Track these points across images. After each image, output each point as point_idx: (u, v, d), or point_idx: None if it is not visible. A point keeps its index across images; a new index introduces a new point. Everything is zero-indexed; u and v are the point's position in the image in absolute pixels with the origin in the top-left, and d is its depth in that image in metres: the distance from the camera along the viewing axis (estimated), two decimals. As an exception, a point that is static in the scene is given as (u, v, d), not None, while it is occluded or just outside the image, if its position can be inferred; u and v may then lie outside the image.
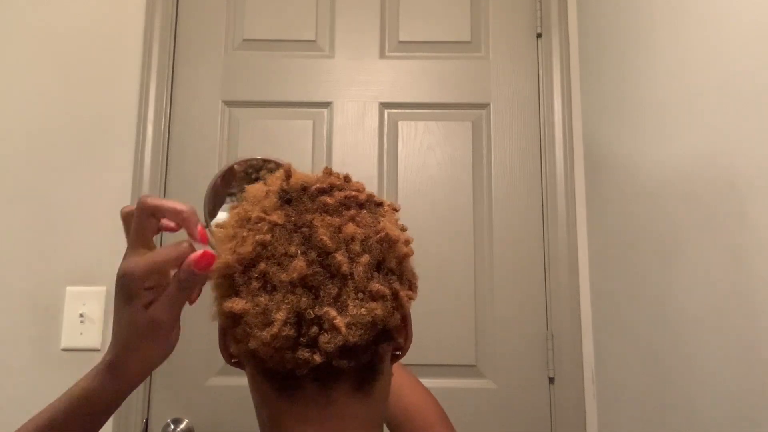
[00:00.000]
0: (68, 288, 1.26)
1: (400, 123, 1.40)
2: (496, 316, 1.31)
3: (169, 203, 0.45)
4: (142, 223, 0.45)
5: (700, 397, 0.83)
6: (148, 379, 1.26)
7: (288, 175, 0.48)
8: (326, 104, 1.40)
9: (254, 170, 0.58)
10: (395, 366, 0.52)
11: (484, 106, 1.40)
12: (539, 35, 1.43)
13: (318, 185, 0.47)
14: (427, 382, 1.27)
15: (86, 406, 0.46)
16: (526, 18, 1.44)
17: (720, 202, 0.79)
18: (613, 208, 1.18)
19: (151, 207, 0.45)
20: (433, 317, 1.29)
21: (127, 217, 0.48)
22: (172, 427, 1.24)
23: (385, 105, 1.40)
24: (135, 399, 1.23)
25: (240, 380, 1.24)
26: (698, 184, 0.85)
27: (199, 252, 0.43)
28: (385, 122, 1.40)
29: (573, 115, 1.37)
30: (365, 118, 1.39)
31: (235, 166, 0.59)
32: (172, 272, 0.45)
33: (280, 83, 1.40)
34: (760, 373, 0.70)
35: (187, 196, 1.33)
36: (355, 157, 1.36)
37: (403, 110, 1.40)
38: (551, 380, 1.29)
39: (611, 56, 1.21)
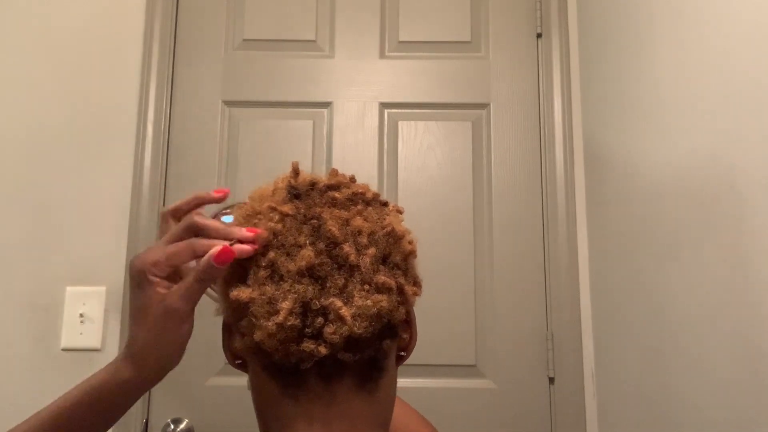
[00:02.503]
0: (68, 288, 1.26)
1: (400, 123, 1.40)
2: (496, 316, 1.31)
3: (214, 224, 0.46)
4: (181, 237, 0.46)
5: (700, 397, 0.83)
6: (148, 379, 1.26)
7: (296, 172, 0.49)
8: (326, 104, 1.40)
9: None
10: None
11: (484, 106, 1.40)
12: (539, 35, 1.43)
13: (326, 182, 0.49)
14: (427, 382, 1.28)
15: (95, 397, 0.46)
16: (526, 18, 1.44)
17: (720, 202, 0.79)
18: (613, 208, 1.18)
19: (200, 227, 0.46)
20: (433, 317, 1.29)
21: (166, 217, 0.51)
22: (172, 427, 1.24)
23: (385, 105, 1.40)
24: (135, 399, 1.23)
25: (240, 380, 1.23)
26: (698, 185, 0.85)
27: (219, 247, 0.43)
28: (385, 122, 1.40)
29: (573, 115, 1.37)
30: (365, 118, 1.39)
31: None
32: (191, 263, 0.46)
33: (280, 83, 1.40)
34: (759, 373, 0.70)
35: (186, 196, 1.33)
36: (355, 157, 1.36)
37: (403, 110, 1.40)
38: (551, 380, 1.29)
39: (611, 56, 1.21)
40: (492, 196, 1.36)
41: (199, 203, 0.55)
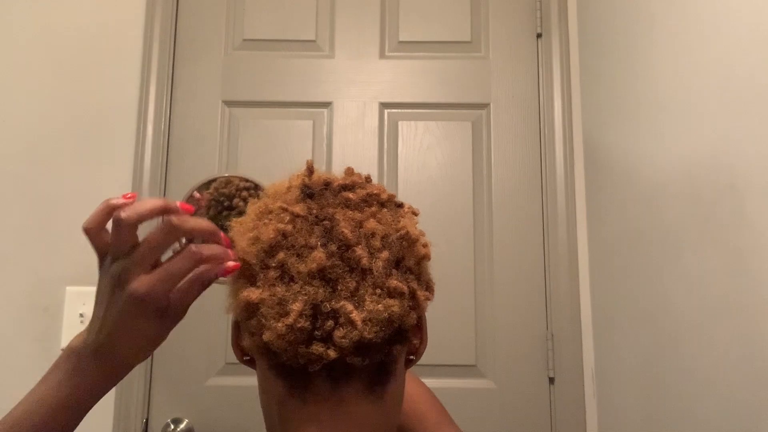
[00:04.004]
0: (68, 288, 1.26)
1: (400, 123, 1.40)
2: (496, 316, 1.31)
3: (200, 225, 0.44)
4: (167, 243, 0.44)
5: (700, 397, 0.83)
6: (148, 379, 1.26)
7: (310, 171, 0.48)
8: (326, 104, 1.40)
9: (226, 198, 0.57)
10: None
11: (484, 106, 1.41)
12: (539, 35, 1.43)
13: (341, 182, 0.48)
14: (427, 381, 1.26)
15: (72, 401, 0.44)
16: (526, 18, 1.44)
17: (720, 202, 0.79)
18: (613, 208, 1.18)
19: (185, 231, 0.43)
20: (433, 317, 1.28)
21: (101, 233, 0.47)
22: (172, 427, 1.24)
23: (385, 105, 1.40)
24: (135, 399, 1.23)
25: (240, 380, 1.25)
26: (698, 184, 0.85)
27: (230, 264, 0.43)
28: (385, 122, 1.40)
29: (573, 115, 1.38)
30: (365, 118, 1.39)
31: (195, 194, 0.59)
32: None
33: (280, 83, 1.40)
34: (759, 373, 0.70)
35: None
36: (355, 157, 1.36)
37: (403, 110, 1.40)
38: (551, 380, 1.29)
39: (611, 56, 1.21)
40: (492, 196, 1.36)
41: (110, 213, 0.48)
